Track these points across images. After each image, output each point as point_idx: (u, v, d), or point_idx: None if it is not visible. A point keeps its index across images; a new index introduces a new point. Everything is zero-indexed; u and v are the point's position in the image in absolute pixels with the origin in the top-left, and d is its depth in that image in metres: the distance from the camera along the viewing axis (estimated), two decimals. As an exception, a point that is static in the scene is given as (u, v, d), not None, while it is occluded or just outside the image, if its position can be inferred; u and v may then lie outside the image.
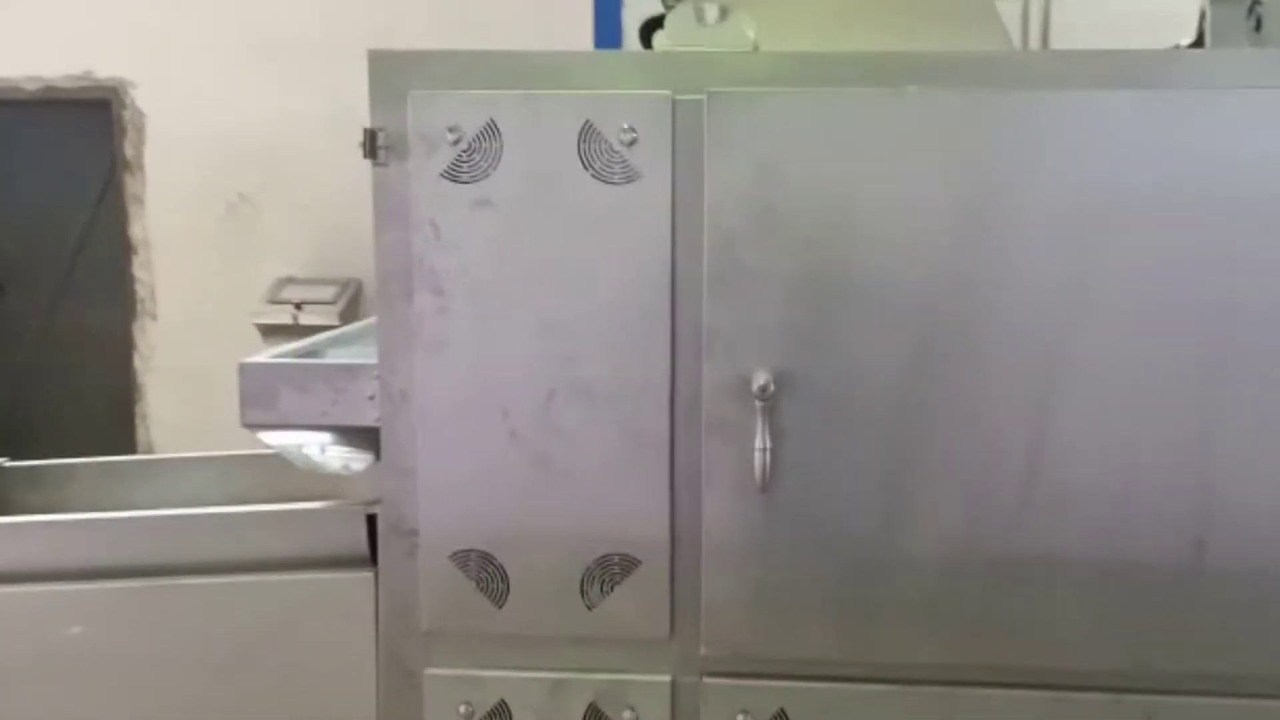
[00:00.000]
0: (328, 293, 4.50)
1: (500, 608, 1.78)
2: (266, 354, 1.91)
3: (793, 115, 1.63)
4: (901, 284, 1.65)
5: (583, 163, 1.68)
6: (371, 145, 1.69)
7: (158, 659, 2.10)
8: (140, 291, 4.87)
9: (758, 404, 1.63)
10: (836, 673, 1.75)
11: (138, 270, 4.86)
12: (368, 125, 1.71)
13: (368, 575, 2.06)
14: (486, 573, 1.78)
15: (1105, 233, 1.61)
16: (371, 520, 2.09)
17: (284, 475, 2.72)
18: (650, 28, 3.27)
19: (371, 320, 2.57)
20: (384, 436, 1.78)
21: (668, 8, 2.92)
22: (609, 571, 1.76)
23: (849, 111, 1.63)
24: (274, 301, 4.46)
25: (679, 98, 1.66)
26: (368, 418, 1.81)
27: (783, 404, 1.66)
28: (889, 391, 1.67)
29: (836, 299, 1.65)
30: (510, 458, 1.75)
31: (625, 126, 1.66)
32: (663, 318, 1.70)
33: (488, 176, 1.69)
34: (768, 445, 1.63)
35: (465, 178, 1.70)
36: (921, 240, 1.64)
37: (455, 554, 1.78)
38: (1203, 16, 2.66)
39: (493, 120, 1.68)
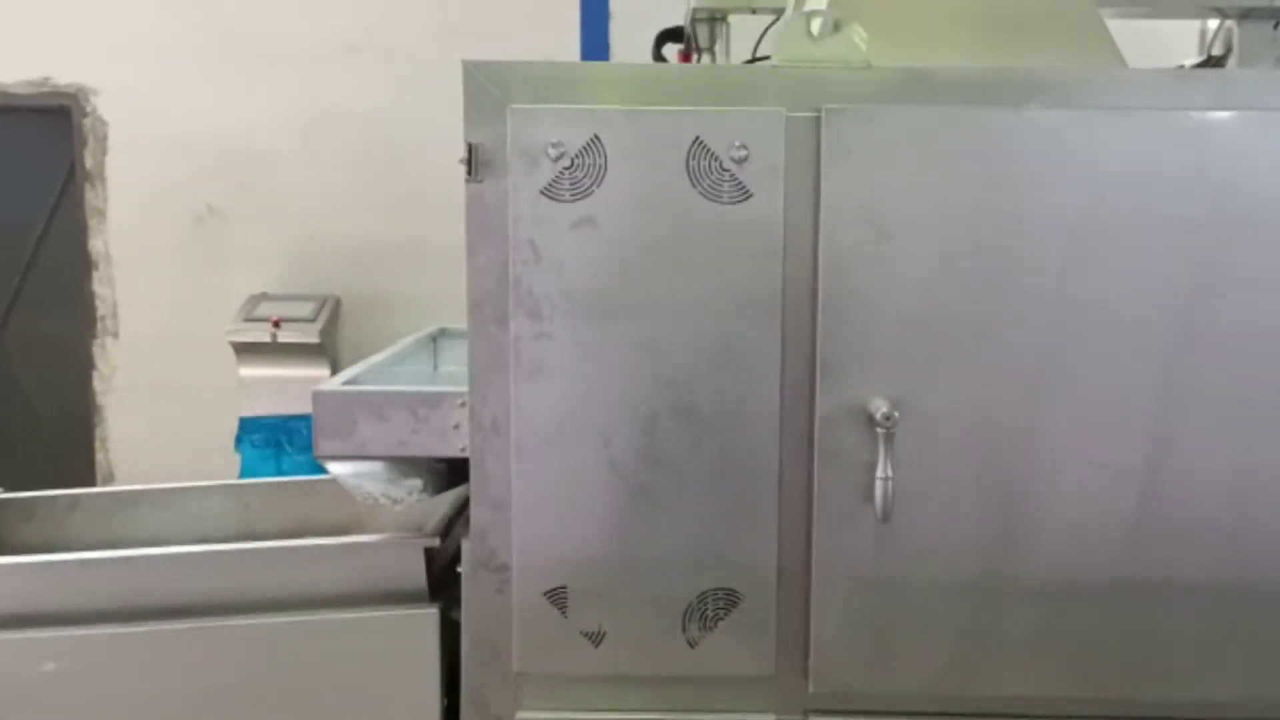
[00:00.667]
0: (306, 309, 4.34)
1: (597, 646, 1.70)
2: (337, 381, 1.79)
3: (911, 133, 1.59)
4: (1016, 307, 1.61)
5: (691, 180, 1.61)
6: (472, 161, 1.60)
7: (202, 706, 1.96)
8: (100, 308, 4.64)
9: (879, 432, 1.57)
10: (946, 709, 1.70)
11: (98, 286, 4.62)
12: (468, 139, 1.62)
13: (431, 611, 1.96)
14: (583, 609, 1.69)
15: (1224, 250, 1.59)
16: (429, 554, 1.99)
17: (302, 504, 2.60)
18: (664, 39, 3.22)
19: (405, 343, 2.47)
20: (474, 467, 1.69)
21: (706, 19, 2.87)
22: (711, 607, 1.69)
23: (967, 129, 1.59)
24: (250, 319, 4.28)
25: (791, 114, 1.60)
26: (451, 447, 1.72)
27: (896, 431, 1.60)
28: (1002, 416, 1.63)
29: (951, 323, 1.61)
30: (610, 488, 1.67)
31: (737, 144, 1.59)
32: (773, 343, 1.63)
33: (590, 194, 1.61)
34: (889, 474, 1.57)
35: (567, 196, 1.61)
36: (1036, 261, 1.60)
37: (550, 591, 1.69)
38: (1207, 36, 2.70)
39: (596, 136, 1.60)
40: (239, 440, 4.35)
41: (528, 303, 1.63)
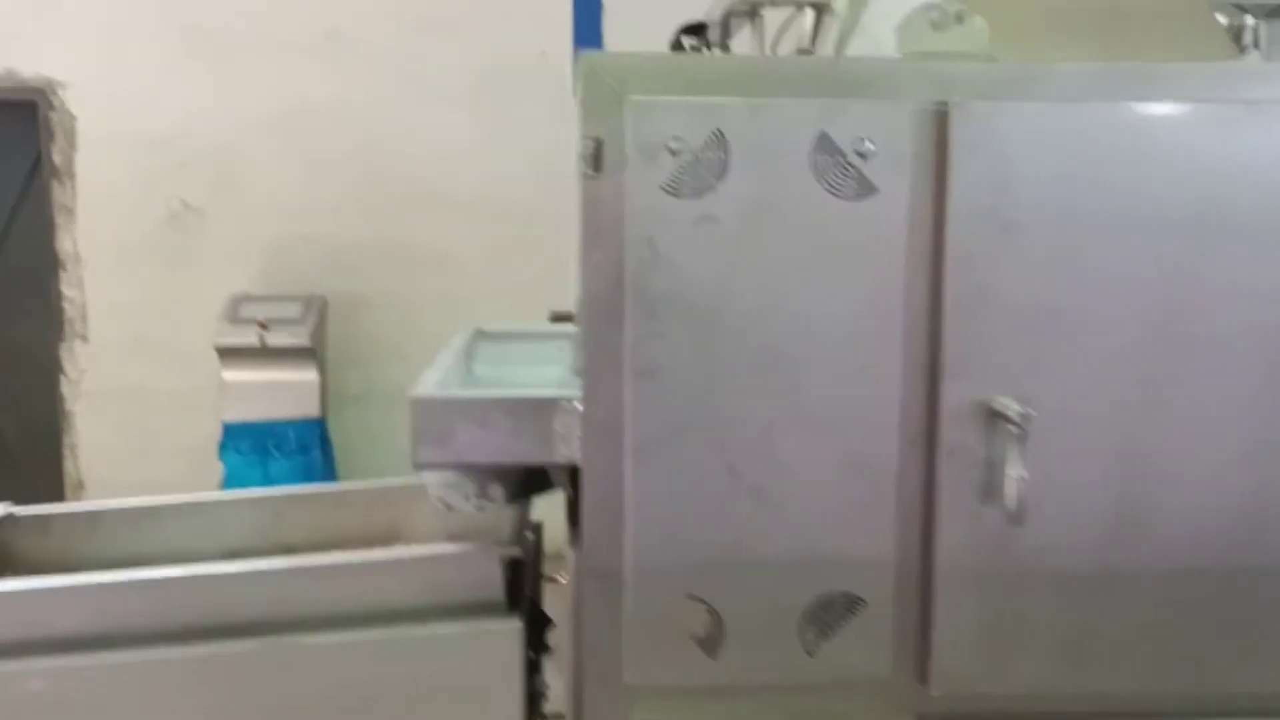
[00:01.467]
0: (293, 310, 4.20)
1: (714, 657, 1.65)
2: (432, 386, 1.71)
3: (1037, 127, 1.56)
4: (1138, 301, 1.60)
5: (814, 176, 1.57)
6: (596, 156, 1.53)
7: (274, 730, 1.87)
8: (69, 310, 4.44)
9: (1012, 430, 1.55)
10: (1062, 707, 1.69)
11: (66, 287, 4.42)
12: (587, 134, 1.55)
13: (514, 625, 1.89)
14: (700, 620, 1.64)
15: (1340, 250, 1.60)
16: (510, 564, 1.93)
17: (334, 514, 2.50)
18: (685, 34, 3.17)
19: (456, 343, 2.39)
20: (585, 473, 1.63)
21: (745, 12, 2.83)
22: (830, 612, 1.65)
23: (1091, 123, 1.57)
24: (235, 321, 4.13)
25: (916, 108, 1.57)
26: (556, 453, 1.65)
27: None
28: (1122, 409, 1.62)
29: (1074, 318, 1.59)
30: (727, 493, 1.62)
31: (862, 138, 1.56)
32: (894, 341, 1.60)
33: (712, 190, 1.56)
34: (1023, 474, 1.55)
35: (687, 192, 1.56)
36: (1157, 255, 1.60)
37: (665, 600, 1.64)
38: (1233, 30, 2.74)
39: (719, 130, 1.55)
40: (223, 447, 4.21)
41: (644, 303, 1.58)
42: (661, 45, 4.25)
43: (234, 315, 4.16)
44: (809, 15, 2.58)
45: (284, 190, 4.43)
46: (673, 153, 1.55)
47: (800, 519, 1.62)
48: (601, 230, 1.58)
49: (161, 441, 4.53)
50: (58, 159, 4.33)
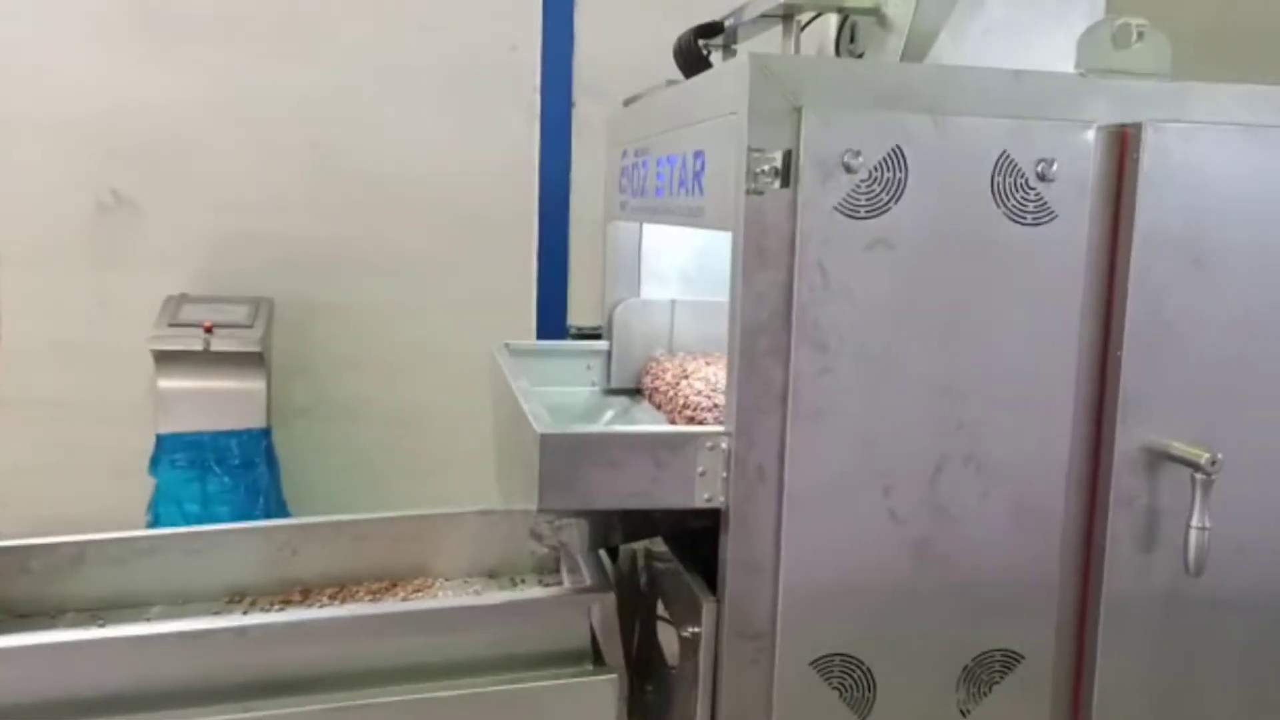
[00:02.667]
0: (240, 313, 3.86)
1: (864, 719, 1.51)
2: (555, 424, 1.52)
3: (1232, 153, 1.47)
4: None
5: (994, 199, 1.44)
6: (787, 169, 1.37)
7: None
8: (-21, 309, 4.01)
9: (1198, 478, 1.45)
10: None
11: (-23, 283, 4.00)
12: (754, 144, 1.39)
13: (612, 678, 1.72)
14: (851, 679, 1.50)
15: None
16: (598, 611, 1.75)
17: (354, 547, 2.27)
18: (701, 35, 3.01)
19: (503, 363, 2.18)
20: (733, 521, 1.47)
21: (772, 16, 2.67)
22: (987, 670, 1.53)
23: (1283, 152, 1.49)
24: (175, 324, 3.78)
25: (1099, 128, 1.46)
26: (696, 498, 1.49)
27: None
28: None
29: (1264, 360, 1.51)
30: (888, 542, 1.48)
31: (1044, 159, 1.44)
32: (1067, 379, 1.49)
33: (887, 212, 1.42)
34: (1207, 524, 1.46)
35: (862, 213, 1.42)
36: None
37: (817, 659, 1.49)
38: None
39: (899, 146, 1.41)
40: (155, 461, 3.85)
41: (812, 334, 1.43)
42: (634, 40, 4.13)
43: (174, 317, 3.81)
44: (833, 20, 2.45)
45: (227, 184, 4.08)
46: (849, 170, 1.41)
47: (965, 573, 1.50)
48: (766, 253, 1.42)
49: (81, 457, 4.12)
50: (-30, 141, 3.91)
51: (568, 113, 4.30)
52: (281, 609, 2.08)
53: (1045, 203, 1.45)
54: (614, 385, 2.46)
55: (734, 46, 3.00)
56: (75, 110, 3.96)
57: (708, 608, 1.51)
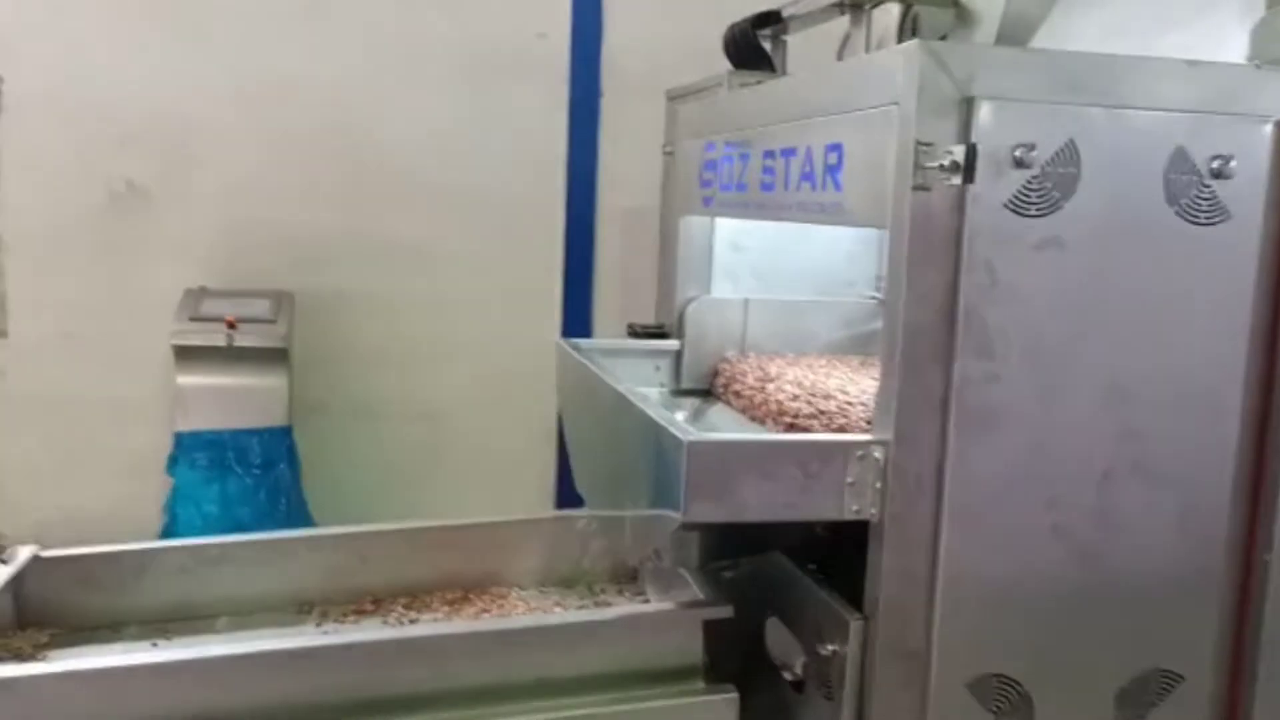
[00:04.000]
0: (262, 308, 3.73)
1: (1018, 743, 1.44)
2: (713, 426, 1.44)
3: None
4: None
5: (1166, 197, 1.37)
6: (970, 164, 1.29)
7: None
8: (-13, 301, 3.86)
9: (1375, 489, 1.39)
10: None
11: (-17, 274, 3.84)
12: (922, 137, 1.31)
13: (732, 697, 1.64)
14: (1009, 702, 1.43)
15: None
16: (710, 626, 1.67)
17: (432, 557, 2.16)
18: (760, 24, 2.92)
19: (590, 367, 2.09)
20: (886, 533, 1.39)
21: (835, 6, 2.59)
22: (1145, 692, 1.46)
23: None
24: (196, 318, 3.65)
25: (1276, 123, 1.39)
26: (844, 509, 1.40)
27: (1370, 487, 1.43)
28: None
29: None
30: (1051, 555, 1.41)
31: (1220, 155, 1.37)
32: (1235, 385, 1.43)
33: (1059, 209, 1.35)
34: (1386, 539, 1.40)
35: (1033, 210, 1.34)
36: None
37: (974, 680, 1.41)
38: None
39: (1072, 140, 1.34)
40: (174, 460, 3.72)
41: (979, 337, 1.35)
42: (664, 30, 4.04)
43: (195, 311, 3.68)
44: (894, 11, 2.37)
45: (244, 173, 3.94)
46: (1021, 164, 1.33)
47: (1127, 587, 1.43)
48: (931, 252, 1.34)
49: (93, 456, 3.98)
50: (-22, 126, 3.76)
51: (596, 103, 4.20)
52: (356, 620, 1.98)
53: (1219, 201, 1.38)
54: (684, 386, 2.37)
55: (784, 38, 2.93)
56: (87, 95, 3.81)
57: (855, 625, 1.43)
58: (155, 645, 1.85)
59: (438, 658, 1.59)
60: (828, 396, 1.79)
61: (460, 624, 1.87)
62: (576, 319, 4.26)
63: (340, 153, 3.98)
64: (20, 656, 1.78)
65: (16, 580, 1.88)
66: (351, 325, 4.08)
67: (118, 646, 1.86)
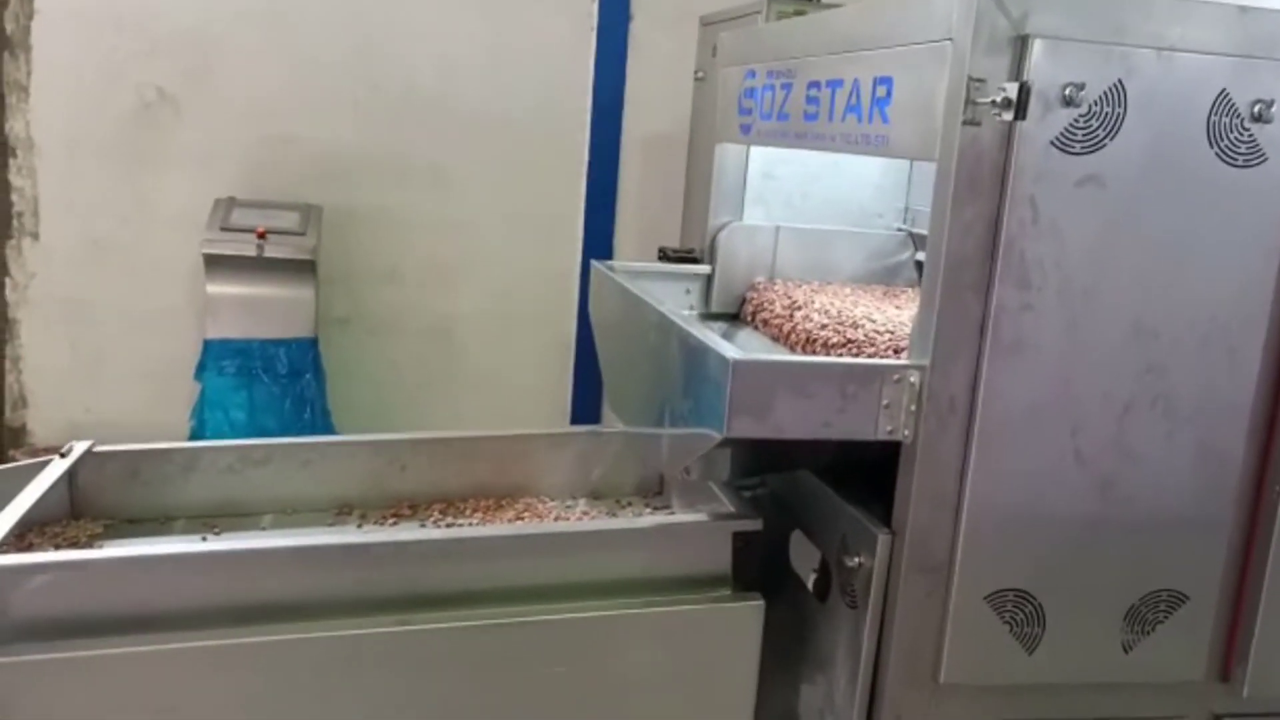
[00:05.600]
0: (291, 220, 3.78)
1: (1030, 654, 1.52)
2: (742, 349, 1.50)
3: None
4: None
5: (1209, 138, 1.42)
6: (1022, 101, 1.33)
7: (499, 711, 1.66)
8: (18, 203, 3.88)
9: (1390, 430, 1.46)
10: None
11: (15, 176, 3.86)
12: (975, 73, 1.35)
13: (758, 604, 1.72)
14: (1023, 614, 1.51)
15: None
16: (739, 538, 1.75)
17: (466, 466, 2.24)
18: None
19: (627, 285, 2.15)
20: (919, 455, 1.46)
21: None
22: (1153, 610, 1.54)
23: None
24: (227, 228, 3.69)
25: (1316, 69, 1.43)
26: (879, 429, 1.47)
27: (1381, 426, 1.50)
28: None
29: None
30: (1071, 481, 1.48)
31: (1262, 99, 1.41)
32: (1259, 325, 1.48)
33: (1102, 148, 1.40)
34: (1387, 474, 1.47)
35: (1078, 148, 1.39)
36: None
37: (992, 594, 1.50)
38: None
39: (1120, 81, 1.38)
40: (202, 366, 3.79)
41: (1017, 269, 1.41)
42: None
43: (225, 221, 3.72)
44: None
45: (267, 88, 3.96)
46: (1069, 103, 1.37)
47: (1143, 513, 1.51)
48: (978, 185, 1.39)
49: (118, 361, 4.06)
50: (10, 27, 3.75)
51: (625, 28, 4.19)
52: (394, 523, 2.06)
53: (1258, 144, 1.43)
54: (714, 310, 2.43)
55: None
56: (118, 6, 3.81)
57: (883, 539, 1.51)
58: (204, 539, 1.92)
59: (486, 558, 1.68)
60: (855, 325, 1.85)
61: (511, 526, 1.94)
62: (598, 242, 4.30)
63: (361, 72, 3.99)
64: (75, 545, 1.86)
65: (71, 473, 1.96)
66: (370, 241, 4.13)
67: (169, 539, 1.95)
